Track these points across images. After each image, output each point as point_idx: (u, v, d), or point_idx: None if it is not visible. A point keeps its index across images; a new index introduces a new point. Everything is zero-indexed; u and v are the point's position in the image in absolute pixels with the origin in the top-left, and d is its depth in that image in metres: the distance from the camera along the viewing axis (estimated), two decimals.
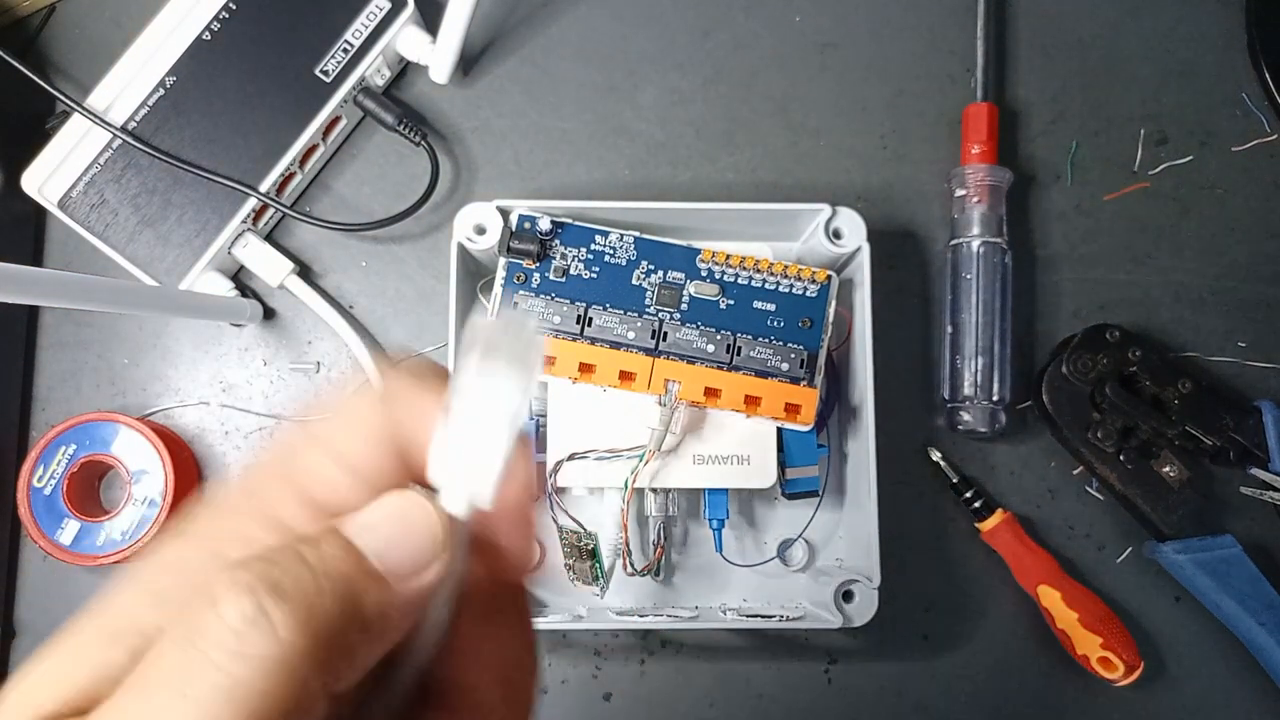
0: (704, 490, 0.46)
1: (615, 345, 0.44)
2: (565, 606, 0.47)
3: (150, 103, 0.48)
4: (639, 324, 0.44)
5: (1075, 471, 0.50)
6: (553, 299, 0.44)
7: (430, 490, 0.19)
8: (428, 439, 0.18)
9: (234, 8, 0.49)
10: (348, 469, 0.19)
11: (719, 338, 0.44)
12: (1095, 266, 0.52)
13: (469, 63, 0.53)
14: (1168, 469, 0.47)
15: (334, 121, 0.50)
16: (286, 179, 0.49)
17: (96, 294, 0.37)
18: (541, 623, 0.44)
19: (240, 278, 0.51)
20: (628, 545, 0.44)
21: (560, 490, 0.44)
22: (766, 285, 0.45)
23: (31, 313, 0.51)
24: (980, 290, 0.49)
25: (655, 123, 0.53)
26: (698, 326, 0.44)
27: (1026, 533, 0.48)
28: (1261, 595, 0.46)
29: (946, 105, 0.53)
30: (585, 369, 0.44)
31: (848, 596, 0.44)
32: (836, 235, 0.46)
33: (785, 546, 0.49)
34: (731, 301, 0.45)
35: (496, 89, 0.53)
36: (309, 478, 0.19)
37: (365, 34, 0.49)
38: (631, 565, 0.44)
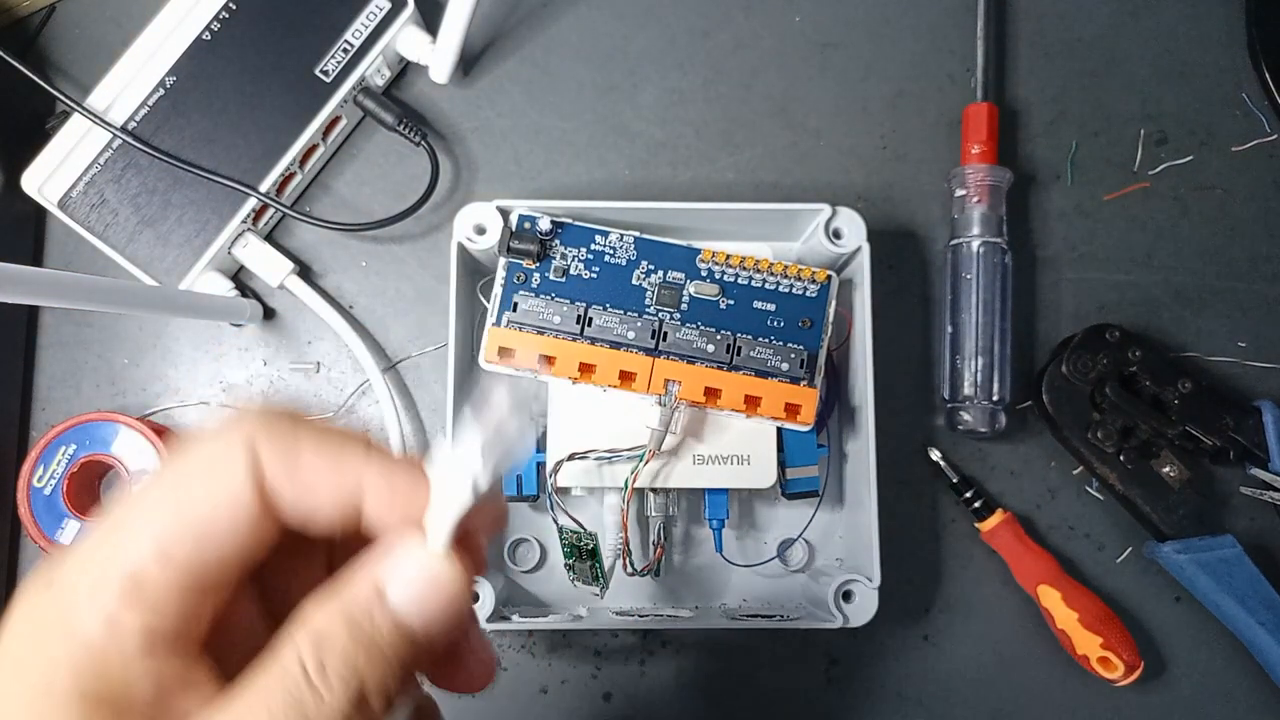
0: (704, 490, 0.46)
1: (615, 345, 0.44)
2: (565, 606, 0.48)
3: (150, 103, 0.48)
4: (639, 324, 0.44)
5: (1075, 471, 0.50)
6: (553, 299, 0.44)
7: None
8: (293, 478, 0.21)
9: (234, 8, 0.49)
10: (211, 518, 0.21)
11: (719, 338, 0.44)
12: (1095, 266, 0.52)
13: (469, 63, 0.53)
14: (1168, 469, 0.47)
15: (334, 121, 0.50)
16: (286, 179, 0.49)
17: (96, 294, 0.37)
18: (541, 623, 0.44)
19: (240, 278, 0.51)
20: (628, 545, 0.44)
21: (560, 490, 0.44)
22: (766, 285, 0.45)
23: (31, 313, 0.51)
24: (980, 290, 0.49)
25: (655, 123, 0.53)
26: (698, 326, 0.44)
27: (1026, 533, 0.48)
28: (1261, 595, 0.46)
29: (946, 105, 0.53)
30: (585, 369, 0.44)
31: (848, 596, 0.44)
32: (836, 235, 0.46)
33: (785, 546, 0.49)
34: (731, 301, 0.45)
35: (496, 89, 0.53)
36: (164, 528, 0.21)
37: (365, 34, 0.49)
38: (631, 565, 0.44)
